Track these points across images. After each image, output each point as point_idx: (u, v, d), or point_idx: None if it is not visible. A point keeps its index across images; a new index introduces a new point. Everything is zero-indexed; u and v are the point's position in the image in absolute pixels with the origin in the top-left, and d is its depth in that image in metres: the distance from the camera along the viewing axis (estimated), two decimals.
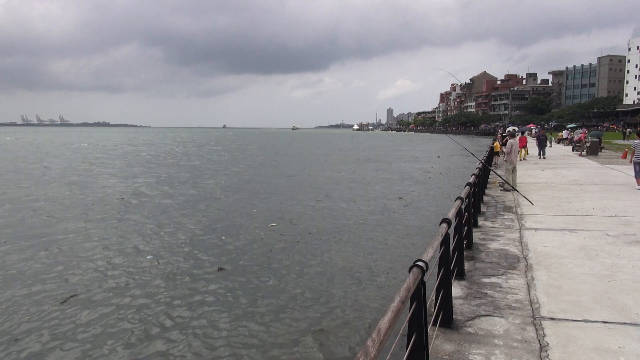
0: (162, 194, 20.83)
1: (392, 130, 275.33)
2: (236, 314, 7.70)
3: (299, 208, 17.11)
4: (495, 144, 24.33)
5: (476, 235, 7.93)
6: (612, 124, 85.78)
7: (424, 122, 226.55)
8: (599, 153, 27.44)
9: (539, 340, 4.01)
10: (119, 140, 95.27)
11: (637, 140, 13.88)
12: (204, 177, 28.15)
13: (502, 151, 23.08)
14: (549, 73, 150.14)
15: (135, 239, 12.54)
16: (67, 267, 10.05)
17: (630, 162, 14.19)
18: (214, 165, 36.87)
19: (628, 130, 60.10)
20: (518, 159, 23.12)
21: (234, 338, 6.89)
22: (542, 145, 25.66)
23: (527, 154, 26.30)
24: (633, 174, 13.66)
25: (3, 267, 9.98)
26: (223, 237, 12.64)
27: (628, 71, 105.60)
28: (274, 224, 14.12)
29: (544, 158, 24.36)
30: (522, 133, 30.09)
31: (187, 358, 6.33)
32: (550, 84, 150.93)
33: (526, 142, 26.41)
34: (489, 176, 15.54)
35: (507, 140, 16.15)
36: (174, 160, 43.13)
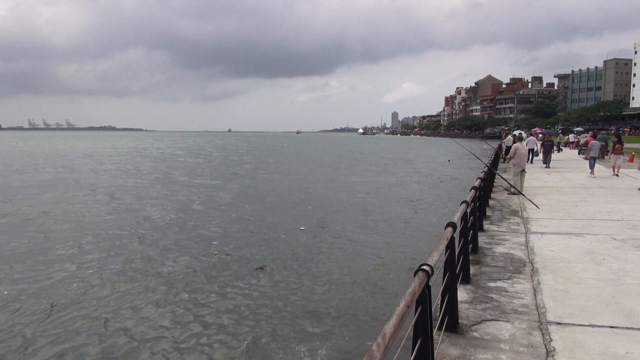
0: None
1: (397, 134, 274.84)
2: (245, 311, 7.72)
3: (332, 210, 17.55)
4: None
5: (482, 239, 7.90)
6: (625, 127, 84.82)
7: (429, 126, 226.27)
8: (605, 157, 27.26)
9: (546, 345, 3.99)
10: (146, 145, 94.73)
11: (594, 141, 18.63)
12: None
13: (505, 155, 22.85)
14: (555, 76, 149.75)
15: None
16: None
17: (587, 158, 18.34)
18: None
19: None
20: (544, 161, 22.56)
21: (232, 330, 6.91)
22: (547, 152, 22.63)
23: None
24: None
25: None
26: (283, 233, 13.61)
27: (634, 74, 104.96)
28: (303, 228, 14.41)
29: (548, 167, 21.88)
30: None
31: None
32: (556, 88, 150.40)
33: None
34: (495, 180, 15.49)
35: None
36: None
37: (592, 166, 17.83)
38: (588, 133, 45.56)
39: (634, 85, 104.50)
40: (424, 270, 2.72)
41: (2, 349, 6.68)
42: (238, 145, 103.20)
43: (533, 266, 6.35)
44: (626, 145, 23.72)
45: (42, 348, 6.70)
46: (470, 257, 6.25)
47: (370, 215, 16.50)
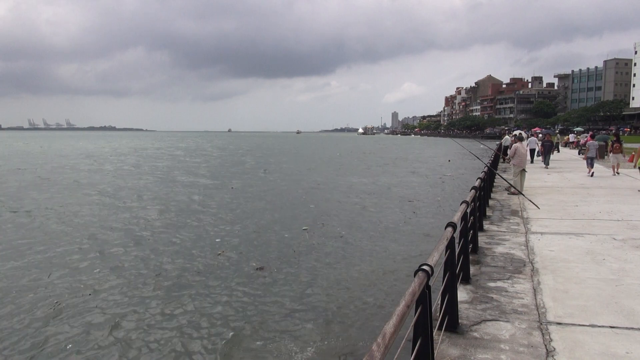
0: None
1: (397, 134, 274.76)
2: (243, 308, 7.73)
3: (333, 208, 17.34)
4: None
5: (482, 239, 7.90)
6: (625, 127, 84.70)
7: (429, 126, 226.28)
8: (605, 157, 27.26)
9: (546, 345, 3.99)
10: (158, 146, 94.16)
11: (592, 141, 19.32)
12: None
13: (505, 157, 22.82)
14: (555, 76, 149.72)
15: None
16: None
17: (585, 158, 18.95)
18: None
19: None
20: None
21: (228, 326, 6.91)
22: (546, 152, 22.73)
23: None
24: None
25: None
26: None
27: (634, 74, 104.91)
28: (306, 228, 14.43)
29: (547, 167, 21.83)
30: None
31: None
32: (556, 88, 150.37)
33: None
34: (495, 179, 15.49)
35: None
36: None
37: (590, 166, 18.22)
38: (588, 133, 45.56)
39: (634, 85, 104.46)
40: (423, 270, 2.72)
41: (8, 348, 6.69)
42: (238, 145, 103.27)
43: (533, 266, 6.35)
44: (626, 145, 23.73)
45: (47, 348, 6.71)
46: (470, 257, 6.25)
47: (370, 216, 16.50)
